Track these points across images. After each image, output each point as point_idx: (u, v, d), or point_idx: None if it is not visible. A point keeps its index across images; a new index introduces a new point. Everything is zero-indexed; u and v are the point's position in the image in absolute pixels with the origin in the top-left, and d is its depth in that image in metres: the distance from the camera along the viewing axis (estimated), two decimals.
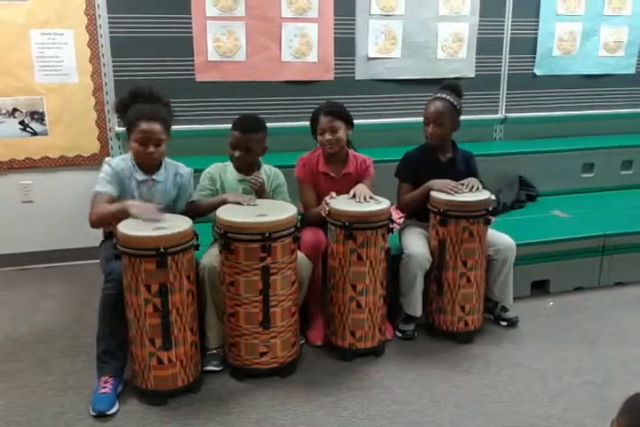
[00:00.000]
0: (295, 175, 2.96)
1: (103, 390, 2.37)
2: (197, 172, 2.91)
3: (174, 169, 2.70)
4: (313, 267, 2.75)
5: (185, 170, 2.75)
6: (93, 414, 2.32)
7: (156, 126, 2.53)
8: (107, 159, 2.65)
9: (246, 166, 2.80)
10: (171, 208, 2.68)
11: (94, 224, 2.54)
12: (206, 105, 3.82)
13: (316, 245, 2.77)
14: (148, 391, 2.41)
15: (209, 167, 2.85)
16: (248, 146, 2.73)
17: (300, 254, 2.65)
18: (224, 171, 2.82)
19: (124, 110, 2.64)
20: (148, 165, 2.61)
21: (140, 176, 2.61)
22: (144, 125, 2.51)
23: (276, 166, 2.92)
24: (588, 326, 3.07)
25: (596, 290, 3.47)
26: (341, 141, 2.89)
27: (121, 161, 2.62)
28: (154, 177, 2.63)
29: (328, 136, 2.87)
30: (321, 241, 2.78)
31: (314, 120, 2.92)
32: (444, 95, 2.97)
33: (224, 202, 2.62)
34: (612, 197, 4.23)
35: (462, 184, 2.87)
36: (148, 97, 2.64)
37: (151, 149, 2.53)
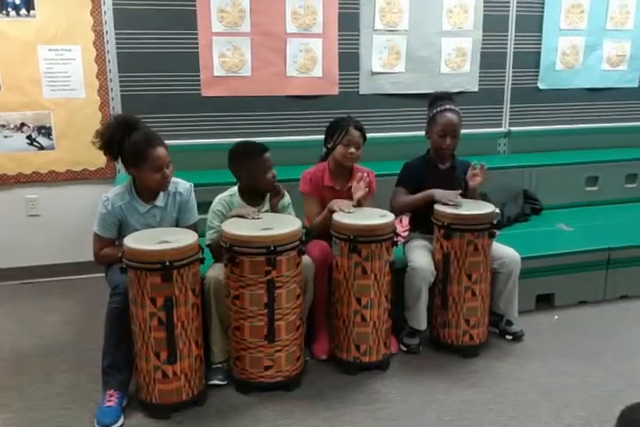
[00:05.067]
0: (300, 190, 2.97)
1: (108, 404, 2.37)
2: (202, 186, 2.93)
3: (173, 188, 2.67)
4: (318, 276, 2.74)
5: (184, 187, 2.71)
6: None
7: (164, 149, 2.55)
8: (103, 197, 2.60)
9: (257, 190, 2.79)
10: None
11: (99, 263, 2.65)
12: (212, 120, 3.85)
13: (323, 258, 2.77)
14: (152, 405, 2.41)
15: (215, 203, 2.77)
16: (272, 164, 2.74)
17: (304, 257, 2.63)
18: (231, 203, 2.77)
19: (119, 146, 2.53)
20: (154, 191, 2.61)
21: (142, 208, 2.61)
22: (157, 152, 2.50)
23: (280, 180, 2.91)
24: (594, 340, 3.05)
25: (602, 304, 3.46)
26: (359, 158, 2.94)
27: (118, 198, 2.59)
28: (155, 203, 2.63)
29: (353, 150, 2.89)
30: (328, 254, 2.78)
31: (338, 129, 2.90)
32: (452, 106, 2.99)
33: None
34: (617, 211, 4.22)
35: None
36: (135, 123, 2.59)
37: (166, 172, 2.54)
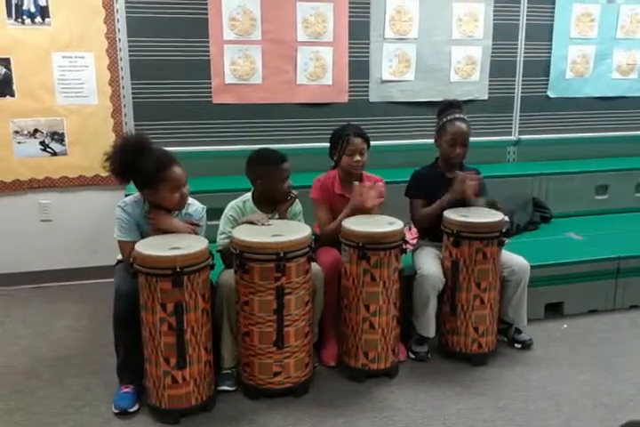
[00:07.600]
0: (311, 197, 2.99)
1: (125, 390, 2.45)
2: (212, 192, 2.93)
3: (185, 208, 2.64)
4: (328, 283, 2.75)
5: (196, 210, 2.67)
6: (115, 411, 2.41)
7: (180, 168, 2.51)
8: (120, 203, 2.59)
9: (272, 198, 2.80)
10: None
11: None
12: (223, 127, 3.88)
13: (334, 264, 2.78)
14: (161, 410, 2.42)
15: (228, 209, 2.78)
16: (289, 174, 2.75)
17: (313, 264, 2.64)
18: (244, 210, 2.78)
19: (132, 169, 2.47)
20: (171, 210, 2.58)
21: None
22: (175, 171, 2.47)
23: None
24: (603, 349, 3.04)
25: (611, 313, 3.44)
26: (365, 164, 2.94)
27: (135, 205, 2.58)
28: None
29: (358, 157, 2.90)
30: (339, 260, 2.78)
31: (339, 140, 2.92)
32: (461, 115, 3.00)
33: None
34: (627, 220, 4.21)
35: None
36: (146, 144, 2.53)
37: (184, 190, 2.52)
